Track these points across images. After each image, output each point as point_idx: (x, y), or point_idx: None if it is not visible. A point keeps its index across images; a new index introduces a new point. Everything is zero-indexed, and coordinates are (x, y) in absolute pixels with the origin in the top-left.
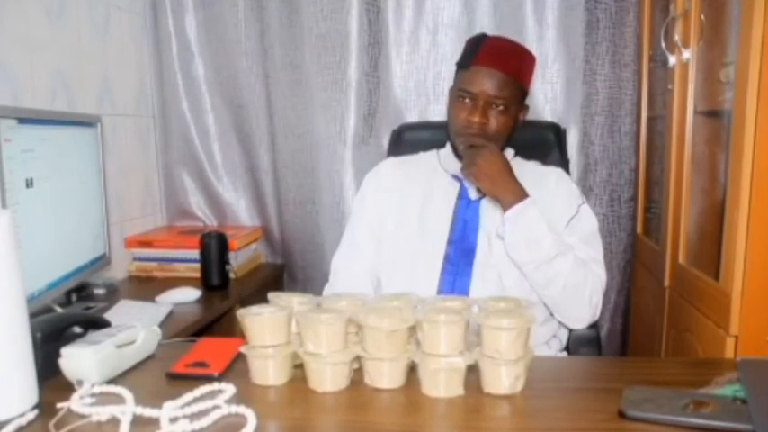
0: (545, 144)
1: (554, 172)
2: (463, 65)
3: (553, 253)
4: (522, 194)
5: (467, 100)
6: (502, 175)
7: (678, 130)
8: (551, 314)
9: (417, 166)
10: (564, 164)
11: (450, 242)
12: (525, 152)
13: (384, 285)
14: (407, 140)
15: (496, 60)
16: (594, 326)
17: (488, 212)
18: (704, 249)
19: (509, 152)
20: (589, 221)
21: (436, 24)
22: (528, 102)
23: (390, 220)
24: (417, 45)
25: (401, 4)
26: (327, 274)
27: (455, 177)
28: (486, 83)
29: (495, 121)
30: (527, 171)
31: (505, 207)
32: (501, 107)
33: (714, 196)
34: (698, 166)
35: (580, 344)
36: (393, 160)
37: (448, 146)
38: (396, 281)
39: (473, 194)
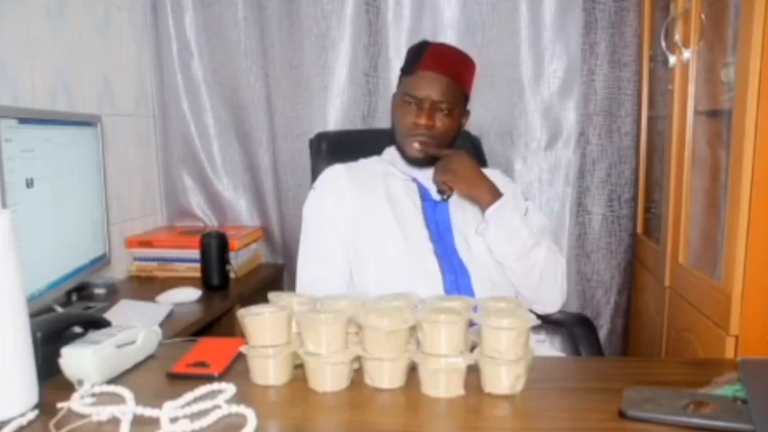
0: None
1: (496, 173)
2: (407, 70)
3: (530, 244)
4: (497, 192)
5: (412, 104)
6: (475, 176)
7: (678, 130)
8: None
9: (368, 171)
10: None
11: (433, 241)
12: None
13: (371, 289)
14: (326, 150)
15: (440, 65)
16: (588, 321)
17: (458, 212)
18: (704, 249)
19: None
20: (538, 216)
21: (435, 25)
22: (519, 102)
23: (361, 223)
24: None
25: (400, 5)
26: None
27: (413, 180)
28: (431, 87)
29: (440, 123)
30: None
31: (485, 206)
32: (446, 110)
33: (714, 196)
34: (698, 166)
35: (574, 325)
36: (341, 166)
37: (391, 150)
38: (388, 282)
39: (435, 196)
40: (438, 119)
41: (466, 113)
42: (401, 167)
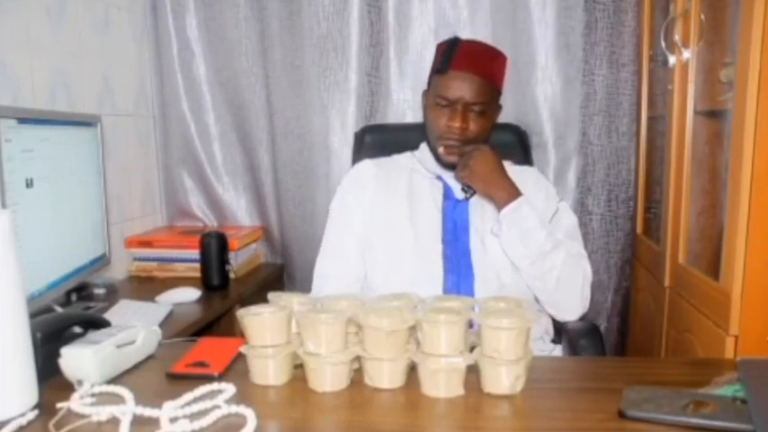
0: (508, 146)
1: (530, 171)
2: (439, 70)
3: (547, 247)
4: (515, 192)
5: (445, 106)
6: (494, 174)
7: (678, 130)
8: (540, 309)
9: (396, 167)
10: (529, 164)
11: (445, 242)
12: None
13: (379, 287)
14: (371, 143)
15: (472, 65)
16: (584, 318)
17: (477, 212)
18: (704, 249)
19: None
20: (569, 218)
21: (438, 25)
22: (522, 102)
23: (378, 223)
24: (419, 45)
25: (402, 5)
26: None
27: (438, 178)
28: (464, 88)
29: (474, 124)
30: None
31: (500, 206)
32: (479, 110)
33: (714, 196)
34: (698, 166)
35: (580, 335)
36: (370, 162)
37: (424, 146)
38: (394, 285)
39: (459, 194)
40: (471, 120)
41: (498, 108)
42: (429, 165)
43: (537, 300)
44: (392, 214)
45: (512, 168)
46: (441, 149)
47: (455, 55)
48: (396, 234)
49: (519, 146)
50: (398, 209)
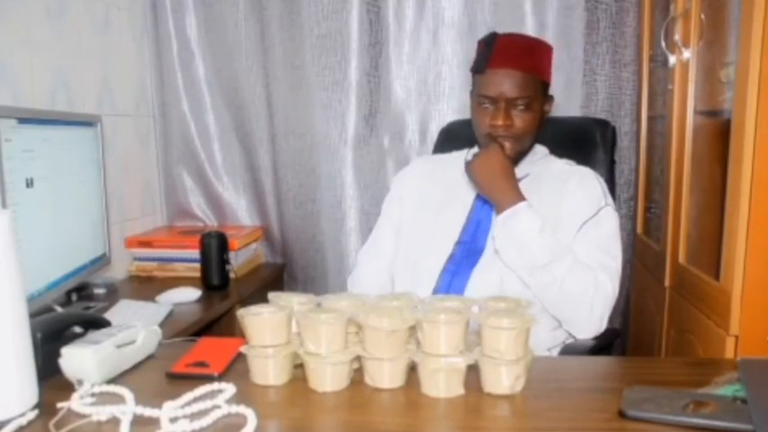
0: (588, 141)
1: (579, 172)
2: (478, 69)
3: (546, 259)
4: (516, 198)
5: (487, 104)
6: (497, 177)
7: (678, 130)
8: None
9: (444, 164)
10: (608, 163)
11: (458, 243)
12: (567, 148)
13: (395, 282)
14: (454, 137)
15: (510, 60)
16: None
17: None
18: (704, 249)
19: (541, 149)
20: (608, 226)
21: (437, 24)
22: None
23: (409, 213)
24: (418, 45)
25: (402, 4)
26: (328, 274)
27: None
28: (504, 85)
29: (519, 120)
30: (554, 170)
31: (498, 210)
32: (522, 106)
33: (714, 196)
34: (698, 166)
35: (574, 353)
36: (424, 158)
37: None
38: (401, 278)
39: None
40: (515, 116)
41: (549, 99)
42: None
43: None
44: (422, 209)
45: (564, 168)
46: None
47: (492, 52)
48: (417, 227)
49: (602, 142)
50: (427, 207)
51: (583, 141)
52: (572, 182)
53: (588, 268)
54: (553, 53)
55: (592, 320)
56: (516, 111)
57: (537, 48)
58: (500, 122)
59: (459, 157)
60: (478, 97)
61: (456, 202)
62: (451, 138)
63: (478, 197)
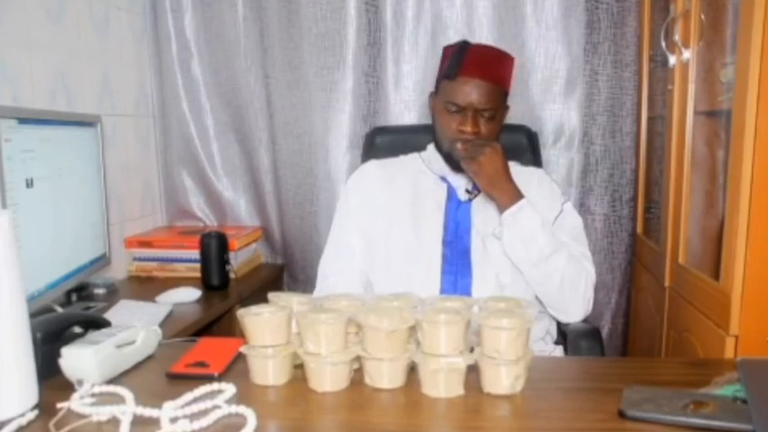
0: (518, 147)
1: (535, 172)
2: (448, 75)
3: (549, 251)
4: (517, 196)
5: (455, 111)
6: (499, 176)
7: (678, 130)
8: (543, 310)
9: (401, 168)
10: (537, 166)
11: (445, 243)
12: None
13: (378, 287)
14: (380, 144)
15: (481, 70)
16: (586, 320)
17: (480, 213)
18: (704, 249)
19: None
20: (574, 219)
21: (435, 25)
22: (526, 102)
23: (380, 221)
24: (416, 45)
25: (400, 5)
26: None
27: (442, 179)
28: (473, 95)
29: (485, 128)
30: (513, 172)
31: (502, 208)
32: (489, 115)
33: (714, 196)
34: (698, 166)
35: (580, 337)
36: (376, 162)
37: (431, 148)
38: (391, 282)
39: (462, 195)
40: (482, 124)
41: (506, 109)
42: (435, 167)
43: (539, 301)
44: (394, 214)
45: (517, 169)
46: (459, 145)
47: (465, 60)
48: (397, 234)
49: (528, 147)
50: (401, 209)
51: (511, 148)
52: (533, 183)
53: (575, 257)
54: (515, 65)
55: (584, 304)
56: (483, 119)
57: (504, 60)
58: (468, 129)
59: (412, 160)
60: (446, 103)
61: (428, 204)
62: (380, 144)
63: (450, 198)
